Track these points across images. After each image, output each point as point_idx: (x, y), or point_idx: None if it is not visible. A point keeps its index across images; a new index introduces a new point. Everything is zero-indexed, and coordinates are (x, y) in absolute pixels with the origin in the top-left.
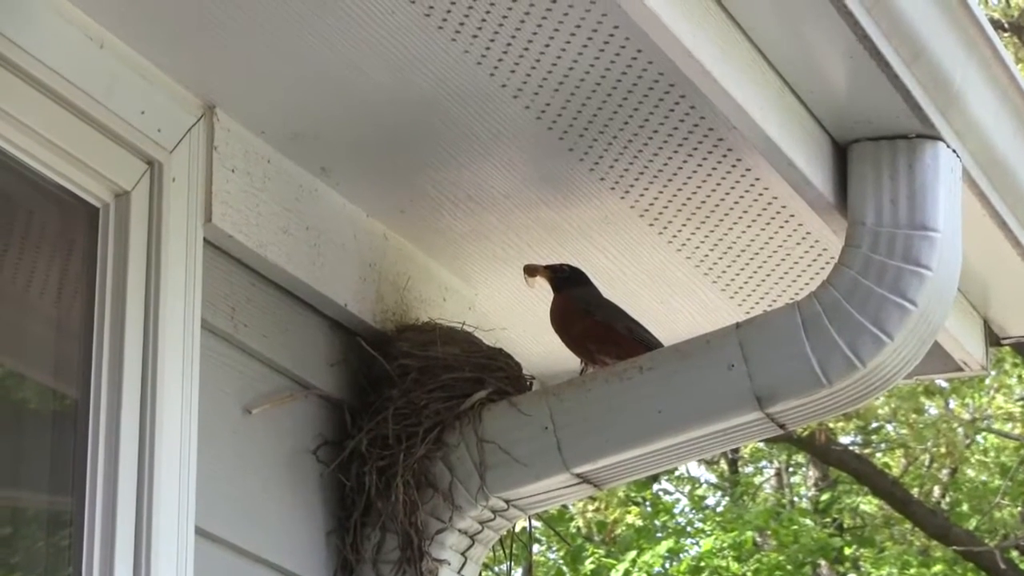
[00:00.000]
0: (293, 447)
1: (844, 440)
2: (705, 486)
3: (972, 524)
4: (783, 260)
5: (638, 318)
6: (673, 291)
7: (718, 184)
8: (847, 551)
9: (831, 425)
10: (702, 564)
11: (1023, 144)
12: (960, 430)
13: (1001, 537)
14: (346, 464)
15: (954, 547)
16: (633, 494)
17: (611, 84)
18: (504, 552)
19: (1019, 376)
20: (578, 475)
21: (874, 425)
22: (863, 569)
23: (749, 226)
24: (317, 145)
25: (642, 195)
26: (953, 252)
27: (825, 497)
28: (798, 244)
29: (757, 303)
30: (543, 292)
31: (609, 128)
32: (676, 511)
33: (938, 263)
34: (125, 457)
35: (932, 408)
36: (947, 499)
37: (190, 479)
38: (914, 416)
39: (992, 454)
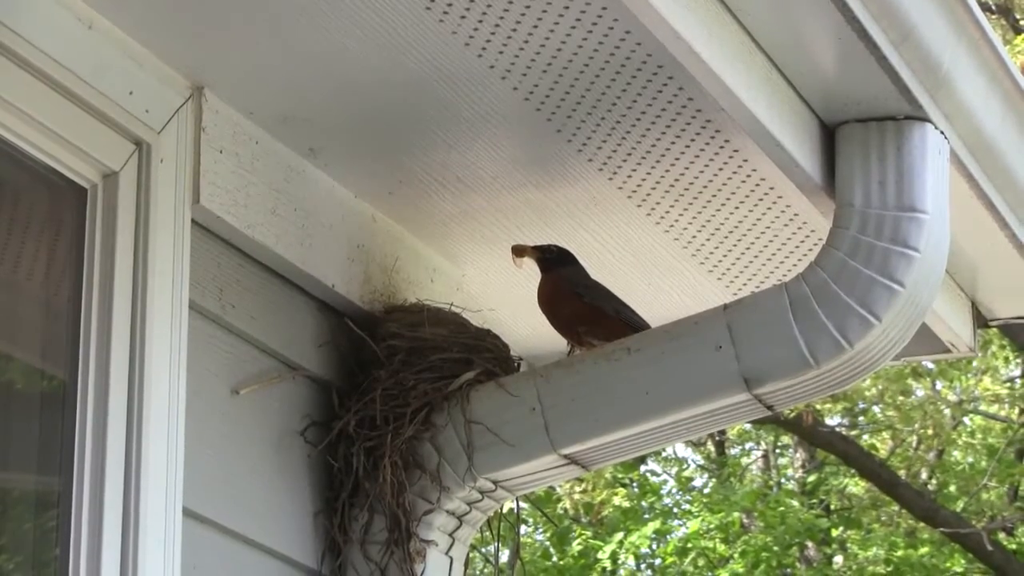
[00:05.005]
0: (281, 428)
1: (831, 422)
2: (692, 467)
3: (959, 506)
4: (771, 241)
5: (626, 299)
6: (661, 272)
7: (706, 165)
8: (834, 533)
9: (818, 407)
10: (689, 545)
11: (1011, 126)
12: (947, 412)
13: (988, 519)
14: (334, 445)
15: (941, 529)
16: (620, 475)
17: (599, 65)
18: (492, 533)
19: (1006, 358)
20: (566, 456)
21: (861, 407)
22: (850, 551)
23: (737, 207)
24: (305, 126)
25: (630, 176)
26: (941, 234)
27: (812, 479)
28: (786, 225)
29: (745, 284)
30: (531, 273)
31: (597, 109)
32: (663, 492)
33: (926, 245)
34: (113, 438)
35: (919, 390)
36: (934, 481)
37: (178, 460)
38: (901, 398)
39: (979, 436)
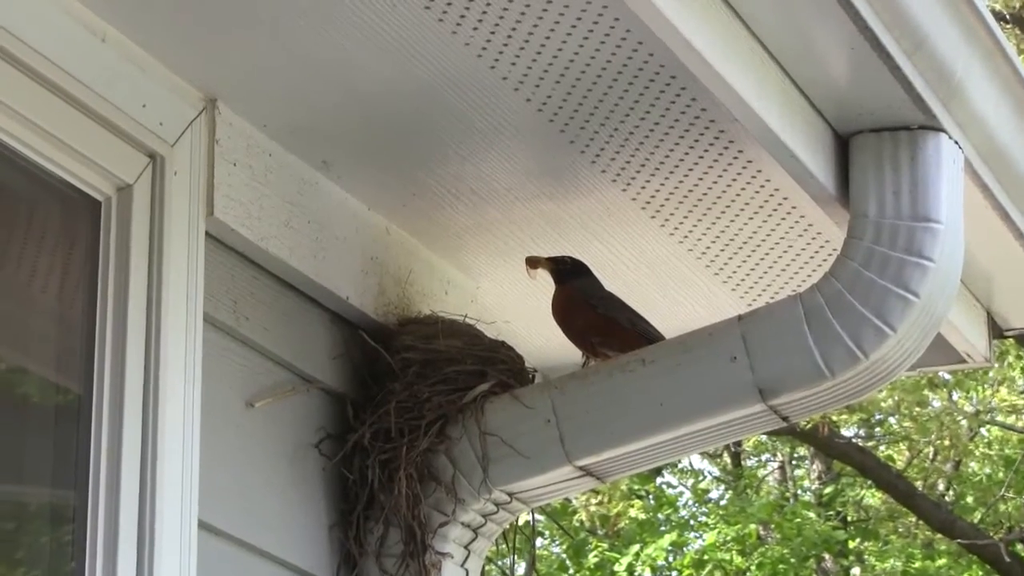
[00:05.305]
0: (295, 441)
1: (847, 433)
2: (708, 479)
3: (976, 517)
4: (785, 252)
5: (640, 310)
6: (675, 283)
7: (720, 176)
8: (851, 544)
9: (834, 418)
10: (706, 558)
11: None
12: (964, 423)
13: (1006, 530)
14: (349, 457)
15: (959, 540)
16: (636, 487)
17: (612, 76)
18: (507, 545)
19: (1023, 368)
20: (581, 468)
21: (877, 418)
22: (867, 562)
23: (751, 218)
24: (319, 139)
25: (644, 187)
26: (955, 244)
27: (829, 490)
28: (800, 236)
29: (759, 295)
30: (545, 284)
31: (610, 120)
32: (680, 504)
33: (940, 255)
34: (128, 451)
35: (936, 401)
36: (951, 492)
37: (193, 473)
38: (918, 409)
39: (996, 447)
